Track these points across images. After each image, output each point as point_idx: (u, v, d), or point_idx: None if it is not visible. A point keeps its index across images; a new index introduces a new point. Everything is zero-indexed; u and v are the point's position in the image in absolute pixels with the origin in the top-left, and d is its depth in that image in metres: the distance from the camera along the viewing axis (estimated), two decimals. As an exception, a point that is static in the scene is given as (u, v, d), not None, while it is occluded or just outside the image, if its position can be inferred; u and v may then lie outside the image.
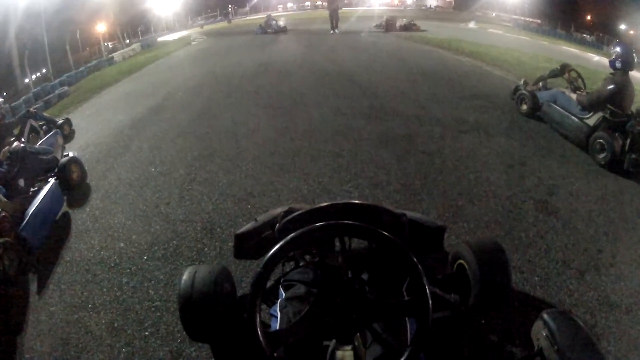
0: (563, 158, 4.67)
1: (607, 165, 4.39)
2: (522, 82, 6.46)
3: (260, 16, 28.80)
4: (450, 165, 4.40)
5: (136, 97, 8.69)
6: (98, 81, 12.67)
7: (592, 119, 4.78)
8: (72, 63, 16.68)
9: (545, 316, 1.59)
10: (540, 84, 6.15)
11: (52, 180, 4.06)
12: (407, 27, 16.99)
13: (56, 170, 4.39)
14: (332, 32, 16.30)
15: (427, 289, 1.13)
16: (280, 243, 1.11)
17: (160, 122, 6.57)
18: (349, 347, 1.20)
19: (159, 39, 26.06)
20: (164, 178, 4.50)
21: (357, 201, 1.46)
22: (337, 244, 1.46)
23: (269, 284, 1.63)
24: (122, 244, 3.37)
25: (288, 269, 1.64)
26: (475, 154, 4.67)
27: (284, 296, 1.50)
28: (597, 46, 15.34)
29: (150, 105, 7.63)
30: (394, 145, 4.93)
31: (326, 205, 1.43)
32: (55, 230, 3.68)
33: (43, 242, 3.42)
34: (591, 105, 4.81)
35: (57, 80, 14.28)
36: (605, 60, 6.32)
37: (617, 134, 4.41)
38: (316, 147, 4.98)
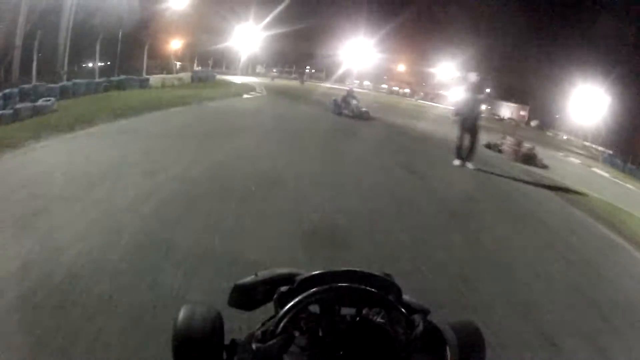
0: None
1: None
2: None
3: (336, 87, 25.19)
4: None
5: (81, 185, 4.27)
6: (96, 107, 8.74)
7: None
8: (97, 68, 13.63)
9: None
10: None
11: None
12: (528, 159, 10.80)
13: None
14: (458, 163, 8.20)
15: None
16: (298, 298, 0.96)
17: None
18: None
19: (219, 77, 23.22)
20: None
21: (357, 269, 1.16)
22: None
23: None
24: None
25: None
26: None
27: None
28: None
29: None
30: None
31: (325, 272, 1.16)
32: None
33: None
34: None
35: (61, 84, 10.53)
36: None
37: None
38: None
